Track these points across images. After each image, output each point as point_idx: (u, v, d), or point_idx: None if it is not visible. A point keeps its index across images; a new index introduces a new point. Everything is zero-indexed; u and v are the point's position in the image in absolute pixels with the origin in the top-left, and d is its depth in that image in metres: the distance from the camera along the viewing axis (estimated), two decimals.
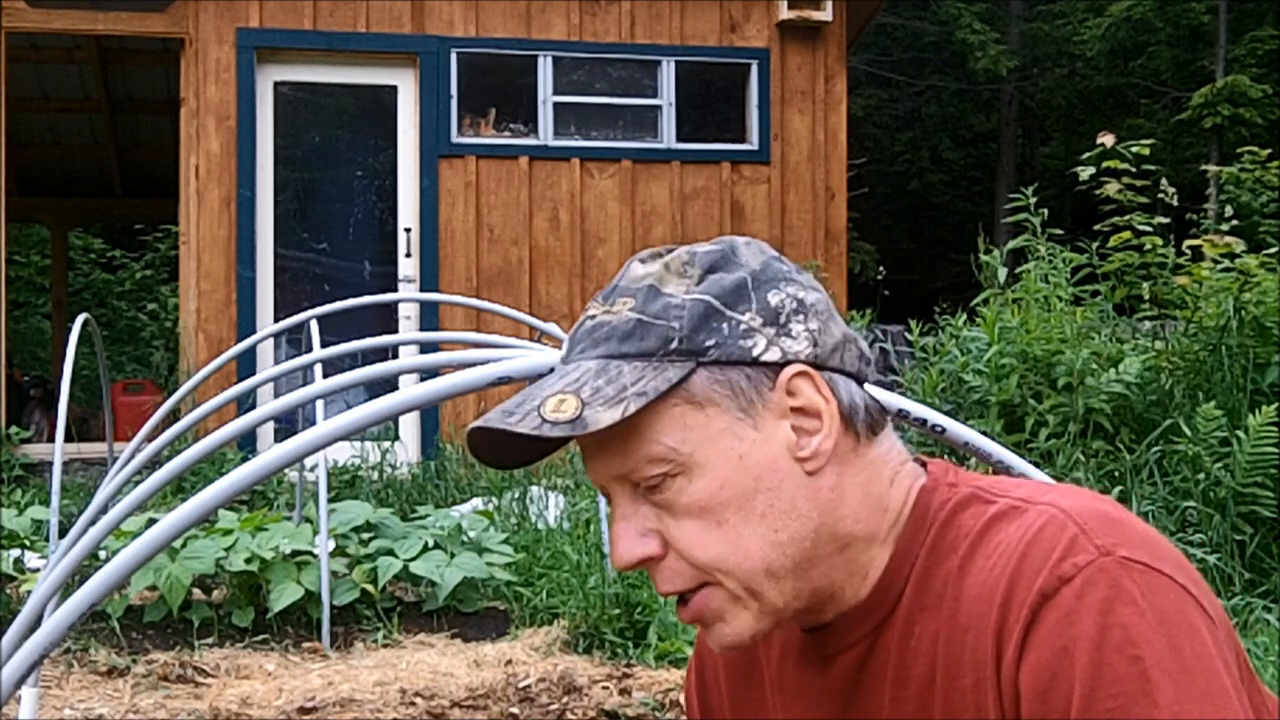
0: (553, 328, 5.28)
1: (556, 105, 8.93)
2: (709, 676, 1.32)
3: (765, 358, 1.09)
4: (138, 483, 2.94)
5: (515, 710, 4.03)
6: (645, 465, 1.09)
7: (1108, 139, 6.57)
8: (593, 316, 1.14)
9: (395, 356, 6.97)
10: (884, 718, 1.12)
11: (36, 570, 5.43)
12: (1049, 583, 1.01)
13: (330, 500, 5.55)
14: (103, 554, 4.74)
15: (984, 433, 3.99)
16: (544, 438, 1.07)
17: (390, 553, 5.08)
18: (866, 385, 1.17)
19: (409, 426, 8.60)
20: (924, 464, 1.20)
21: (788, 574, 1.10)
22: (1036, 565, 1.02)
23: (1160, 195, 6.63)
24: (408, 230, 8.75)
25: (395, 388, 5.95)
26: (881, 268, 12.22)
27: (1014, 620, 1.02)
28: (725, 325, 1.09)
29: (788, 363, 1.10)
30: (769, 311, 1.11)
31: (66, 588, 2.66)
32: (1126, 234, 6.33)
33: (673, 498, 1.09)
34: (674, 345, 1.09)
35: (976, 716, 1.04)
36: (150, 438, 4.05)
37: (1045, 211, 6.24)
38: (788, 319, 1.11)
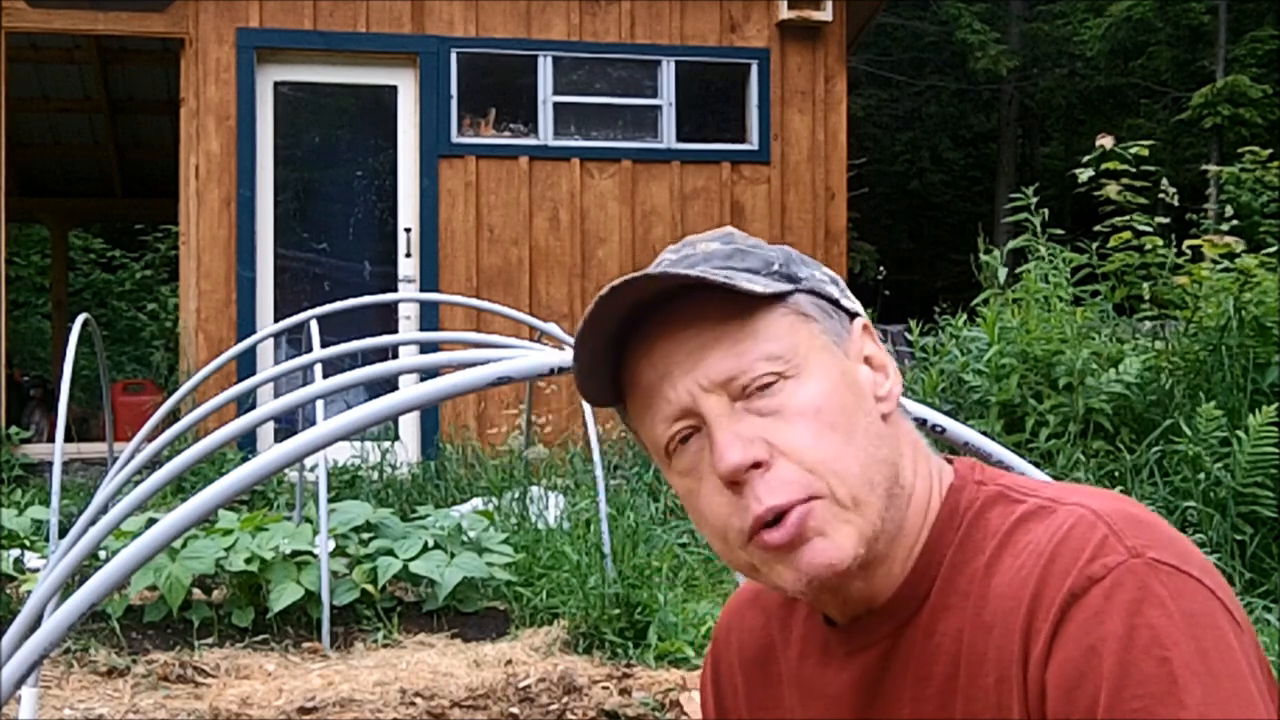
0: (553, 328, 5.28)
1: (556, 105, 8.93)
2: (724, 674, 1.31)
3: (844, 303, 1.17)
4: (138, 483, 2.94)
5: (515, 710, 4.03)
6: (760, 364, 1.09)
7: (1107, 141, 6.57)
8: (676, 251, 1.17)
9: (395, 356, 6.97)
10: (905, 715, 1.12)
11: (36, 570, 5.43)
12: (1078, 582, 1.01)
13: (330, 500, 5.55)
14: (103, 554, 4.74)
15: (984, 433, 3.99)
16: (707, 283, 1.07)
17: (390, 553, 5.08)
18: None
19: (409, 426, 8.60)
20: (950, 461, 1.20)
21: (884, 494, 1.10)
22: (1066, 565, 1.02)
23: (1161, 195, 6.64)
24: (408, 230, 8.74)
25: (395, 388, 5.95)
26: (881, 268, 12.23)
27: (1042, 619, 1.02)
28: (807, 271, 1.16)
29: (857, 314, 1.17)
30: (828, 275, 1.18)
31: (66, 588, 2.66)
32: (1126, 234, 6.33)
33: (784, 400, 1.09)
34: (775, 269, 1.14)
35: (999, 715, 1.05)
36: (150, 438, 4.05)
37: (1046, 212, 6.24)
38: (843, 287, 1.19)
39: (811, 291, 1.14)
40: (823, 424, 1.08)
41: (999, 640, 1.05)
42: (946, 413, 4.43)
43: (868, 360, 1.15)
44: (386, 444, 8.04)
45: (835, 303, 1.16)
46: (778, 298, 1.11)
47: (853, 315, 1.17)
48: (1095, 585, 1.00)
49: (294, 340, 7.68)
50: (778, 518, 1.07)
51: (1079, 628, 1.00)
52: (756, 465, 1.07)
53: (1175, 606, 0.99)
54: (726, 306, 1.10)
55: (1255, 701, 0.97)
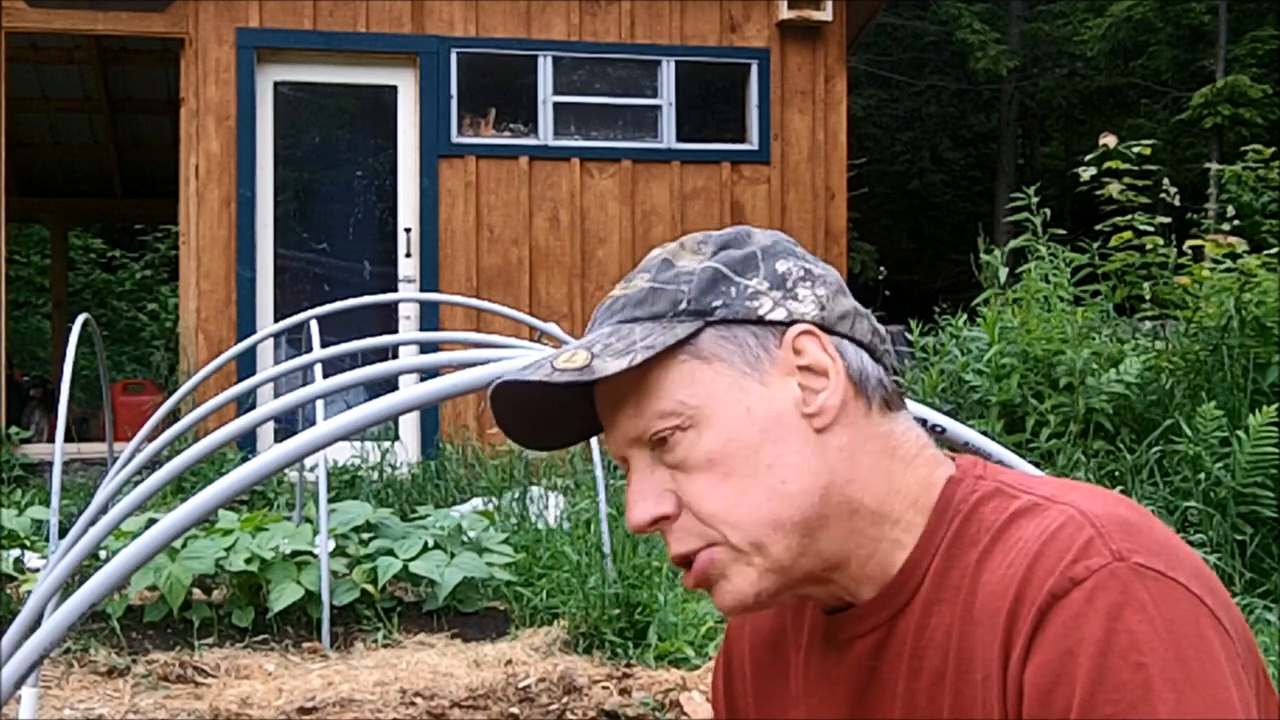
0: (553, 328, 5.28)
1: (556, 105, 8.93)
2: (736, 669, 1.32)
3: (771, 317, 1.13)
4: (138, 483, 2.94)
5: (515, 710, 4.03)
6: (656, 420, 1.12)
7: (1109, 139, 6.57)
8: (612, 295, 1.19)
9: (395, 356, 6.97)
10: (897, 707, 1.12)
11: (36, 570, 5.43)
12: (1060, 584, 1.00)
13: (330, 500, 5.55)
14: (103, 554, 4.74)
15: (984, 433, 3.99)
16: (555, 386, 1.11)
17: (390, 553, 5.08)
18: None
19: (409, 426, 8.60)
20: (953, 457, 1.19)
21: (794, 528, 1.11)
22: (1050, 565, 1.02)
23: (1162, 195, 6.63)
24: (408, 230, 8.74)
25: (395, 388, 5.95)
26: (881, 268, 12.23)
27: (1023, 619, 1.01)
28: (733, 289, 1.13)
29: (793, 322, 1.13)
30: (776, 277, 1.15)
31: (66, 588, 2.66)
32: (1127, 234, 6.33)
33: (684, 454, 1.12)
34: (682, 307, 1.13)
35: (984, 713, 1.04)
36: (150, 438, 4.05)
37: (1047, 211, 6.23)
38: (795, 284, 1.15)
39: (725, 320, 1.12)
40: (717, 474, 1.11)
41: (984, 638, 1.05)
42: (947, 413, 4.43)
43: (805, 369, 1.12)
44: (386, 444, 8.04)
45: (760, 320, 1.13)
46: (670, 349, 1.11)
47: (789, 324, 1.13)
48: (1076, 587, 0.99)
49: (294, 340, 7.68)
50: (687, 561, 1.14)
51: (1058, 630, 0.99)
52: (666, 518, 1.13)
53: (1157, 612, 0.98)
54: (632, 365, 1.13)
55: (1233, 709, 0.96)
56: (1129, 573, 0.99)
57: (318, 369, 4.82)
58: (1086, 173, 6.57)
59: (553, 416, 1.19)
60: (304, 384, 5.93)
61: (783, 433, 1.11)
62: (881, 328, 1.20)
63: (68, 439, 5.82)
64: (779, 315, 1.13)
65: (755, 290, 1.13)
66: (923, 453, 1.16)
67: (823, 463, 1.11)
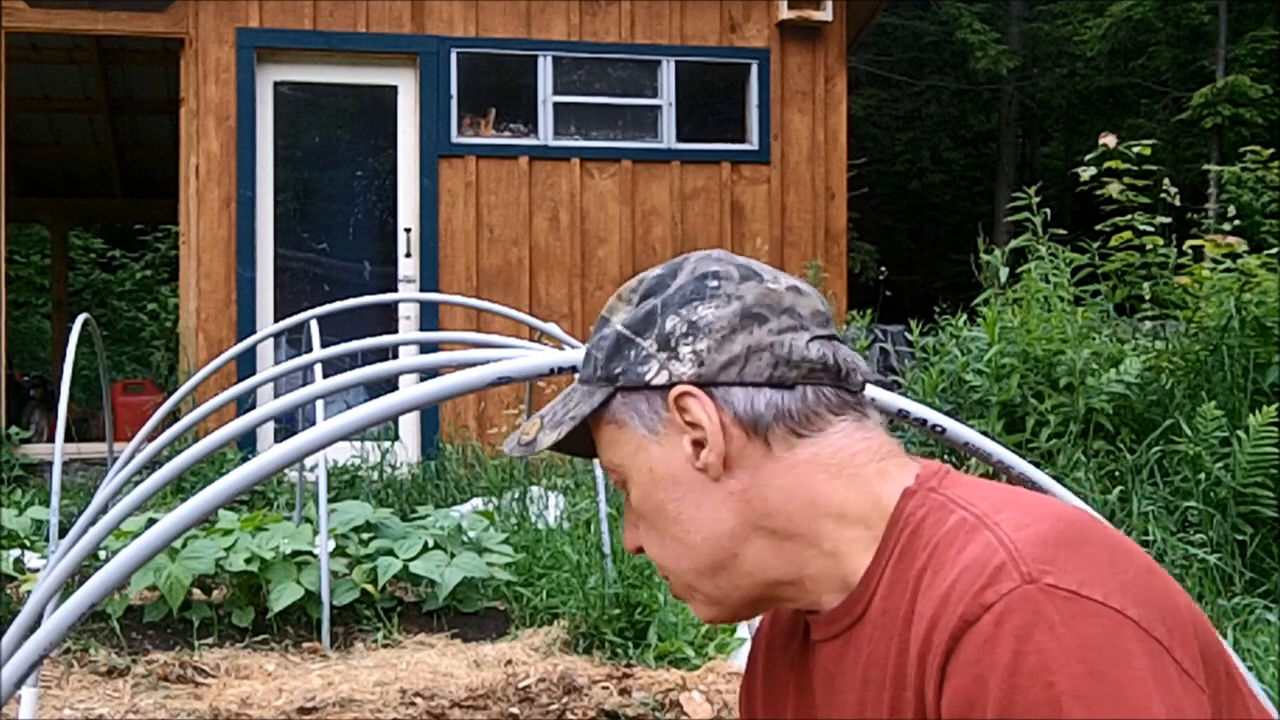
0: (553, 328, 5.28)
1: (556, 105, 8.93)
2: (758, 667, 1.35)
3: (655, 381, 1.19)
4: (138, 483, 2.94)
5: (515, 710, 4.03)
6: (609, 470, 1.25)
7: (1110, 139, 6.57)
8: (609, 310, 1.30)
9: (395, 356, 6.97)
10: (849, 713, 1.15)
11: (36, 570, 5.43)
12: (970, 610, 1.01)
13: (330, 500, 5.55)
14: (103, 554, 4.74)
15: (984, 433, 3.99)
16: (516, 454, 1.29)
17: (390, 553, 5.07)
18: (799, 389, 1.18)
19: (409, 426, 8.60)
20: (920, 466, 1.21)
21: (714, 570, 1.20)
22: (961, 593, 1.03)
23: (1162, 195, 6.63)
24: (408, 230, 8.74)
25: (395, 388, 5.95)
26: (882, 268, 12.22)
27: (936, 647, 1.03)
28: (632, 352, 1.21)
29: (674, 384, 1.18)
30: (662, 337, 1.20)
31: (66, 588, 2.66)
32: (1127, 234, 6.33)
33: (633, 504, 1.25)
34: (598, 374, 1.23)
35: None
36: (150, 438, 4.05)
37: (1047, 211, 6.23)
38: (676, 342, 1.19)
39: (626, 388, 1.21)
40: (649, 527, 1.24)
41: (912, 659, 1.07)
42: (947, 413, 4.43)
43: (692, 425, 1.18)
44: (386, 444, 8.04)
45: (648, 386, 1.19)
46: (597, 410, 1.23)
47: (670, 387, 1.18)
48: (986, 612, 1.00)
49: (294, 340, 7.68)
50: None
51: (968, 655, 1.00)
52: (639, 548, 1.27)
53: (1066, 630, 0.98)
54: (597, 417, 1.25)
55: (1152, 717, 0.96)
56: (1038, 594, 1.00)
57: (318, 369, 4.82)
58: (1086, 173, 6.57)
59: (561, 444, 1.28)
60: (304, 384, 5.93)
61: (681, 490, 1.19)
62: (796, 351, 1.18)
63: (68, 439, 5.82)
64: (661, 379, 1.19)
65: (646, 354, 1.20)
66: (869, 465, 1.17)
67: (725, 509, 1.18)
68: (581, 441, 1.26)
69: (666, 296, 1.21)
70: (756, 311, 1.18)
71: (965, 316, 6.52)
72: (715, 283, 1.20)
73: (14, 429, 8.47)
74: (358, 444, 8.01)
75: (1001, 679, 0.98)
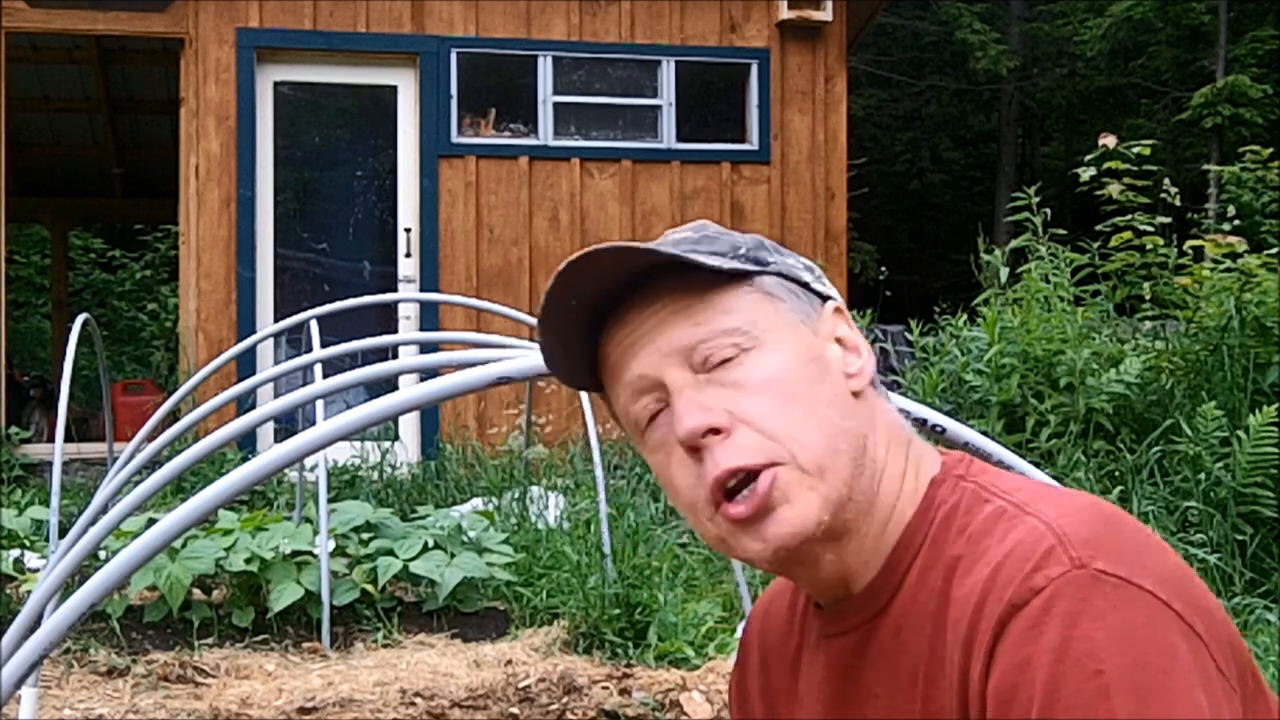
0: None
1: (556, 105, 8.93)
2: (751, 664, 1.32)
3: (814, 287, 1.19)
4: (138, 483, 2.94)
5: (515, 710, 4.03)
6: (720, 336, 1.11)
7: (1110, 140, 6.57)
8: (653, 240, 1.20)
9: (395, 356, 6.97)
10: (879, 707, 1.13)
11: (36, 570, 5.43)
12: (1019, 594, 1.00)
13: (330, 500, 5.55)
14: (103, 554, 4.73)
15: (984, 433, 3.99)
16: (662, 256, 1.11)
17: (390, 553, 5.07)
18: None
19: (409, 426, 8.60)
20: (943, 454, 1.20)
21: (851, 462, 1.11)
22: (1010, 576, 1.02)
23: (1162, 195, 6.63)
24: (408, 230, 8.74)
25: (395, 388, 5.95)
26: (882, 268, 12.22)
27: (984, 630, 1.02)
28: (775, 256, 1.18)
29: (829, 298, 1.19)
30: (802, 262, 1.21)
31: (66, 588, 2.66)
32: (1127, 234, 6.33)
33: (745, 373, 1.11)
34: (742, 252, 1.16)
35: (953, 717, 1.05)
36: (150, 438, 4.05)
37: (1047, 211, 6.23)
38: (818, 274, 1.21)
39: (780, 274, 1.17)
40: (784, 394, 1.10)
41: (951, 646, 1.05)
42: (947, 413, 4.43)
43: (840, 341, 1.17)
44: (386, 444, 8.04)
45: (805, 286, 1.18)
46: (742, 276, 1.14)
47: (825, 298, 1.19)
48: (1035, 596, 0.99)
49: (294, 340, 7.67)
50: (742, 487, 1.09)
51: (1016, 640, 0.99)
52: (716, 431, 1.09)
53: (1115, 618, 0.97)
54: (691, 285, 1.13)
55: (1198, 713, 0.96)
56: (1087, 580, 0.99)
57: (318, 369, 4.82)
58: (1086, 173, 6.57)
59: (581, 330, 1.17)
60: (304, 384, 5.93)
61: (832, 379, 1.14)
62: None
63: (68, 439, 5.82)
64: (819, 288, 1.19)
65: (793, 264, 1.19)
66: (913, 440, 1.19)
67: (859, 417, 1.14)
68: (587, 349, 1.17)
69: (756, 240, 1.21)
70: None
71: (965, 316, 6.52)
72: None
73: (14, 429, 8.47)
74: (358, 444, 8.01)
75: (1048, 664, 0.97)
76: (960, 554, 1.08)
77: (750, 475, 1.09)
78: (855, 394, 1.15)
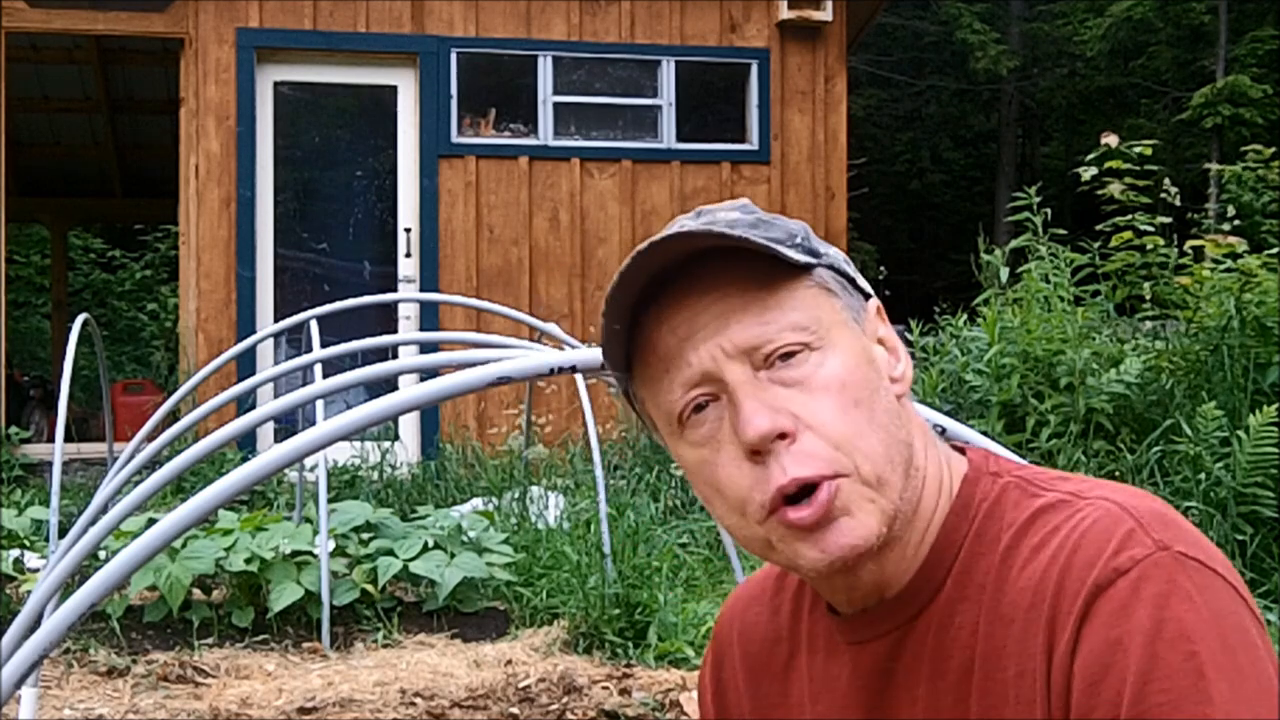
0: (553, 328, 5.28)
1: (556, 105, 8.93)
2: (727, 671, 1.29)
3: (859, 283, 1.15)
4: (138, 483, 2.94)
5: (515, 710, 4.03)
6: (786, 333, 1.07)
7: (1111, 139, 6.57)
8: (694, 217, 1.13)
9: (395, 356, 6.97)
10: (919, 710, 1.11)
11: (36, 570, 5.43)
12: (1104, 574, 1.00)
13: (330, 500, 5.55)
14: (103, 554, 4.74)
15: (984, 433, 3.99)
16: (733, 240, 1.06)
17: (390, 553, 5.07)
18: None
19: (409, 426, 8.60)
20: (963, 450, 1.19)
21: (903, 473, 1.09)
22: (1090, 557, 1.01)
23: (1163, 195, 6.63)
24: (408, 230, 8.74)
25: (395, 388, 5.95)
26: (882, 268, 12.21)
27: (1067, 611, 1.01)
28: (824, 247, 1.14)
29: (870, 296, 1.16)
30: (842, 256, 1.15)
31: (66, 588, 2.66)
32: (1128, 234, 6.33)
33: (809, 372, 1.07)
34: (798, 240, 1.11)
35: (1017, 710, 1.03)
36: (150, 438, 4.05)
37: (1048, 211, 6.23)
38: (847, 266, 1.16)
39: (832, 267, 1.12)
40: (847, 399, 1.06)
41: (1019, 633, 1.04)
42: (947, 413, 4.43)
43: (881, 342, 1.14)
44: (386, 444, 8.04)
45: (853, 281, 1.14)
46: (805, 269, 1.10)
47: (867, 296, 1.16)
48: (1122, 577, 0.99)
49: (294, 340, 7.67)
50: (802, 494, 1.05)
51: (1105, 620, 0.99)
52: (782, 436, 1.05)
53: (1203, 601, 0.98)
54: (752, 274, 1.08)
55: (1276, 694, 0.97)
56: (1173, 562, 1.00)
57: (318, 369, 4.82)
58: (1087, 173, 6.57)
59: (624, 313, 1.11)
60: (304, 384, 5.93)
61: (884, 384, 1.11)
62: None
63: (68, 439, 5.82)
64: (863, 285, 1.15)
65: (838, 256, 1.14)
66: (939, 446, 1.17)
67: (905, 424, 1.11)
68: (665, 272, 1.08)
69: (805, 228, 1.16)
70: None
71: (965, 316, 6.52)
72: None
73: (14, 429, 8.47)
74: (358, 444, 8.00)
75: (1143, 644, 0.97)
76: (1010, 545, 1.08)
77: (812, 484, 1.05)
78: (898, 398, 1.12)
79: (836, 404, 1.06)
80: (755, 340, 1.06)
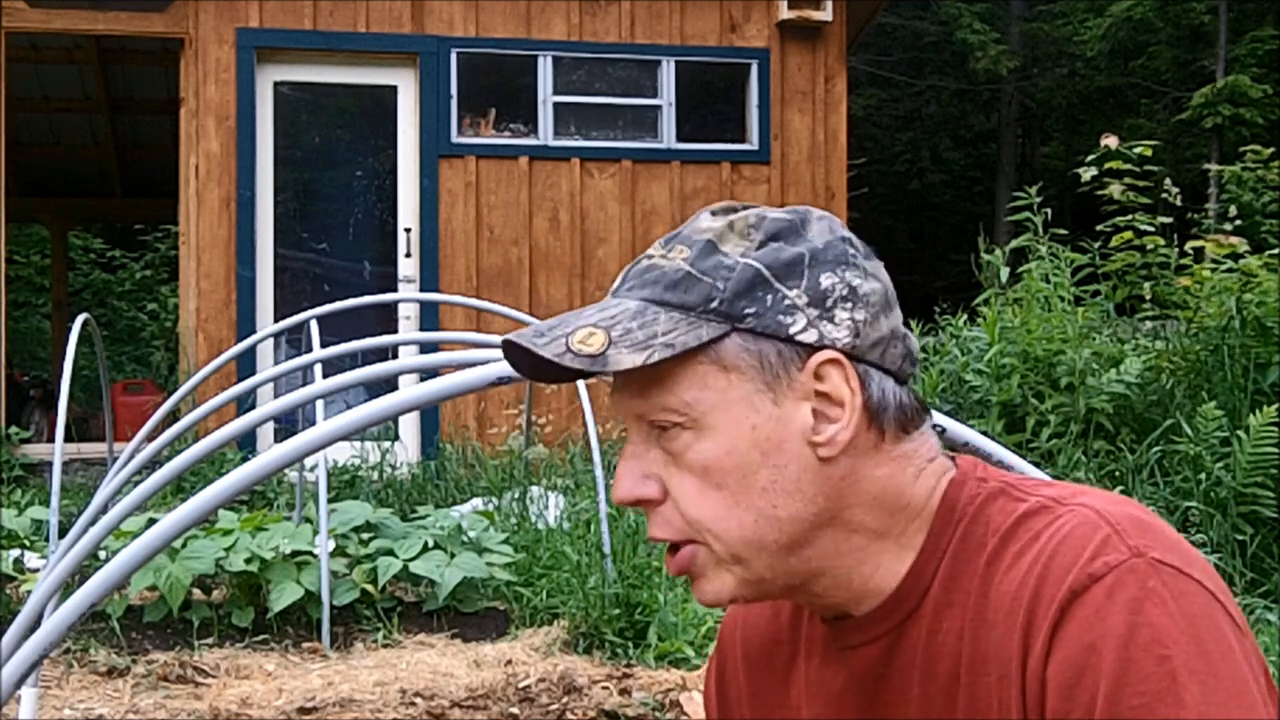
0: None
1: (556, 105, 8.93)
2: (729, 673, 1.30)
3: (801, 337, 1.08)
4: (138, 483, 2.94)
5: (515, 710, 4.03)
6: (659, 411, 1.10)
7: (1112, 140, 6.57)
8: (650, 257, 1.14)
9: (395, 356, 6.97)
10: (912, 713, 1.12)
11: (36, 570, 5.42)
12: (1079, 580, 1.01)
13: (330, 500, 5.55)
14: (103, 554, 4.74)
15: (984, 433, 3.98)
16: (565, 366, 1.08)
17: (390, 553, 5.07)
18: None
19: (409, 426, 8.60)
20: (954, 458, 1.19)
21: (779, 550, 1.10)
22: (1067, 563, 1.02)
23: (1163, 195, 6.63)
24: (408, 230, 8.74)
25: (395, 388, 5.95)
26: None
27: (1042, 616, 1.02)
28: (769, 297, 1.09)
29: (822, 347, 1.09)
30: (817, 292, 1.09)
31: (66, 588, 2.66)
32: (1128, 234, 6.33)
33: (680, 449, 1.10)
34: (714, 305, 1.08)
35: (1000, 714, 1.04)
36: (150, 438, 4.05)
37: (1048, 211, 6.23)
38: (834, 304, 1.10)
39: (753, 331, 1.08)
40: (709, 483, 1.09)
41: (1000, 638, 1.05)
42: (947, 413, 4.43)
43: (823, 396, 1.08)
44: (386, 444, 8.04)
45: (789, 340, 1.08)
46: (691, 351, 1.07)
47: (817, 349, 1.08)
48: (1096, 583, 1.00)
49: (294, 340, 7.68)
50: (672, 545, 1.13)
51: (1080, 625, 0.99)
52: (648, 501, 1.12)
53: (1176, 606, 0.99)
54: None
55: (1256, 703, 0.97)
56: (1147, 567, 1.00)
57: (318, 369, 4.82)
58: (1087, 173, 6.57)
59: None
60: (304, 384, 5.93)
61: (784, 458, 1.09)
62: (914, 344, 1.16)
63: (68, 439, 5.82)
64: (809, 337, 1.08)
65: (791, 304, 1.08)
66: (930, 465, 1.15)
67: (820, 490, 1.09)
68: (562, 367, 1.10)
69: (813, 249, 1.10)
70: (893, 297, 1.14)
71: (965, 316, 6.52)
72: (853, 250, 1.13)
73: (14, 429, 8.47)
74: (358, 444, 8.01)
75: (1115, 649, 0.97)
76: (995, 551, 1.08)
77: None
78: (825, 460, 1.09)
79: (697, 486, 1.10)
80: (637, 410, 1.12)
